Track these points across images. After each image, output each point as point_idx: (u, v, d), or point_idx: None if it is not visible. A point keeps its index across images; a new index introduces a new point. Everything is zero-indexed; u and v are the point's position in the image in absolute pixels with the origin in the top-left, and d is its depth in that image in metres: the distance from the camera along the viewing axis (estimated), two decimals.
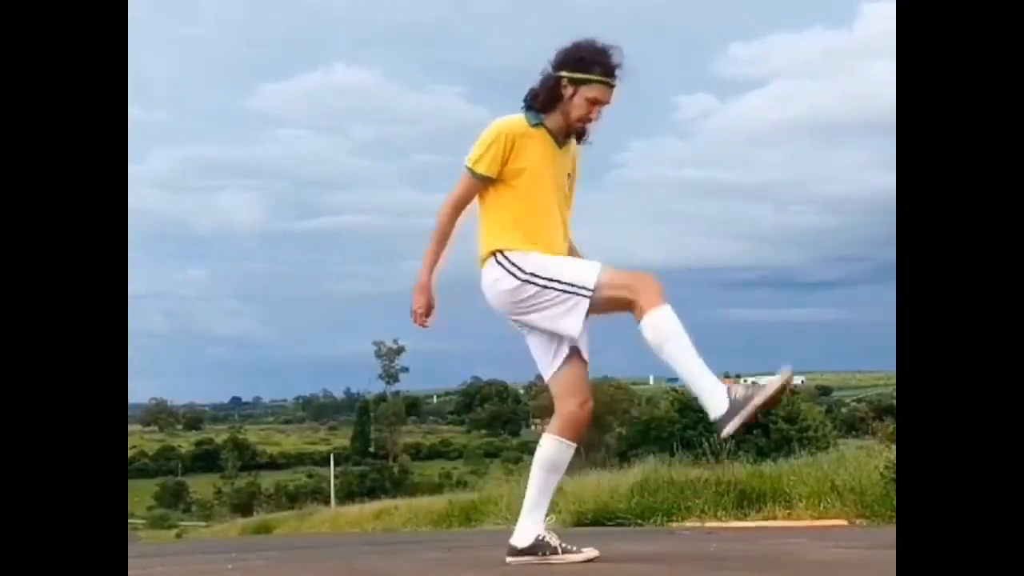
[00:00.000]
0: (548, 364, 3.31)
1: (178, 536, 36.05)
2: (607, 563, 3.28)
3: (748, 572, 3.08)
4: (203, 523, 52.03)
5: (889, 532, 4.19)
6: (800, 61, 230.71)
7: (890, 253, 1.85)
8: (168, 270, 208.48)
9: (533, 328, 3.29)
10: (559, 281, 3.18)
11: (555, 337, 3.26)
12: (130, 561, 2.46)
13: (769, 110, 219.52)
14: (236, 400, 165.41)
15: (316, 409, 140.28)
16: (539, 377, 3.42)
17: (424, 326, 3.32)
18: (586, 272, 3.20)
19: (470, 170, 3.30)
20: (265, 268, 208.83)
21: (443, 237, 3.33)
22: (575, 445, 3.31)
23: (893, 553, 1.86)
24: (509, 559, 3.28)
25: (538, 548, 3.23)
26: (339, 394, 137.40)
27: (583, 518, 8.91)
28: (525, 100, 3.37)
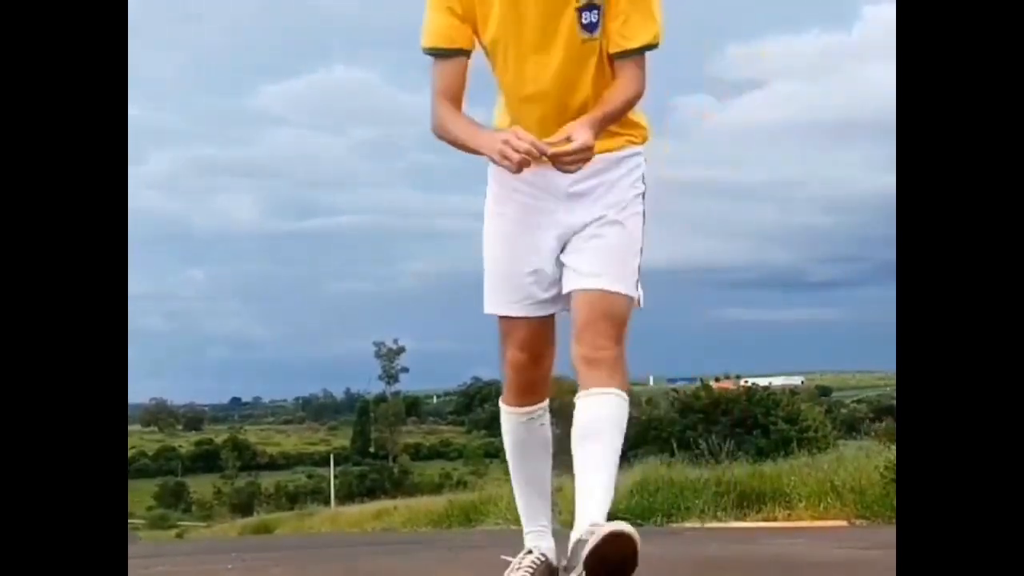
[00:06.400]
0: None
1: (178, 536, 36.03)
2: None
3: (748, 572, 3.07)
4: (203, 523, 51.97)
5: (889, 532, 4.18)
6: (799, 63, 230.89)
7: (890, 253, 1.85)
8: (168, 270, 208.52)
9: None
10: (638, 248, 2.58)
11: None
12: (130, 561, 2.46)
13: (768, 111, 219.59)
14: (236, 400, 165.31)
15: (316, 409, 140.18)
16: None
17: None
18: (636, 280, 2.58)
19: (648, 48, 2.50)
20: (265, 268, 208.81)
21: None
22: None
23: (893, 553, 1.86)
24: None
25: None
26: (339, 394, 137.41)
27: None
28: None
